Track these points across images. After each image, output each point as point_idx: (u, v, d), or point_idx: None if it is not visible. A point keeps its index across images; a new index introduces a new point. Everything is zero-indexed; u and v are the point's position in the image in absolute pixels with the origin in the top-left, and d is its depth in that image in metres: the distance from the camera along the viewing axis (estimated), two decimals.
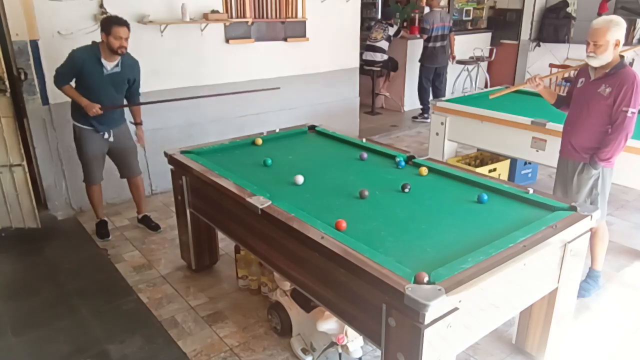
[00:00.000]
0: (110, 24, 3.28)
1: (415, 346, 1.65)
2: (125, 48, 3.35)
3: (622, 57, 2.73)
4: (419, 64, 7.21)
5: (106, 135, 3.59)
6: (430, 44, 6.96)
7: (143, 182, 3.97)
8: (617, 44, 2.65)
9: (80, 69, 3.34)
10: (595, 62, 2.72)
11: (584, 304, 2.98)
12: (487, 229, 2.13)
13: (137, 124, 3.79)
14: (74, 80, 3.43)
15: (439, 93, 7.23)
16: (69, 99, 3.47)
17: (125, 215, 4.22)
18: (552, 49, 7.91)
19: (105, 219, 3.95)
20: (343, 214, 2.23)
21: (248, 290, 3.12)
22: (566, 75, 6.16)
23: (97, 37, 3.49)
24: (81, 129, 3.53)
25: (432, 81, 7.22)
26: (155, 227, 3.95)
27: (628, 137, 2.73)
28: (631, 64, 7.38)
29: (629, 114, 2.64)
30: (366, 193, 2.45)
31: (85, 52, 3.36)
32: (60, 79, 3.41)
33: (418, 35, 7.30)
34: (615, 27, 2.61)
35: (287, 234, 2.19)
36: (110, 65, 3.40)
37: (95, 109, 3.37)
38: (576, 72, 3.03)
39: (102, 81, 3.41)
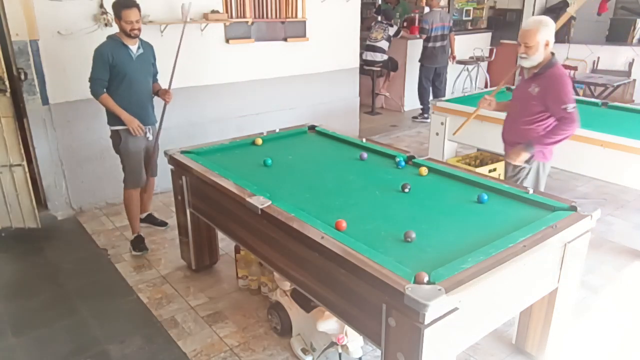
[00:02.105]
0: (119, 8, 3.22)
1: (415, 346, 1.65)
2: (139, 30, 3.28)
3: (552, 54, 2.80)
4: (419, 64, 7.21)
5: (148, 134, 3.56)
6: (430, 44, 6.96)
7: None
8: (547, 44, 2.72)
9: (111, 60, 3.24)
10: (526, 63, 2.80)
11: (584, 303, 2.98)
12: (487, 229, 2.13)
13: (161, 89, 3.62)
14: (108, 86, 3.31)
15: (439, 93, 7.23)
16: (69, 100, 3.46)
17: (125, 215, 4.20)
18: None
19: (142, 234, 3.73)
20: (343, 214, 2.23)
21: (248, 290, 3.12)
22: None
23: (98, 37, 3.50)
24: (127, 133, 3.40)
25: (432, 81, 7.22)
26: (162, 224, 3.96)
27: (576, 128, 2.76)
28: (631, 64, 7.39)
29: (569, 110, 2.71)
30: (413, 235, 2.03)
31: (108, 43, 3.30)
32: (97, 85, 3.27)
33: (418, 35, 7.31)
34: (544, 27, 2.69)
35: (287, 234, 2.19)
36: (134, 48, 3.36)
37: (136, 123, 3.34)
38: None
39: (133, 67, 3.34)
